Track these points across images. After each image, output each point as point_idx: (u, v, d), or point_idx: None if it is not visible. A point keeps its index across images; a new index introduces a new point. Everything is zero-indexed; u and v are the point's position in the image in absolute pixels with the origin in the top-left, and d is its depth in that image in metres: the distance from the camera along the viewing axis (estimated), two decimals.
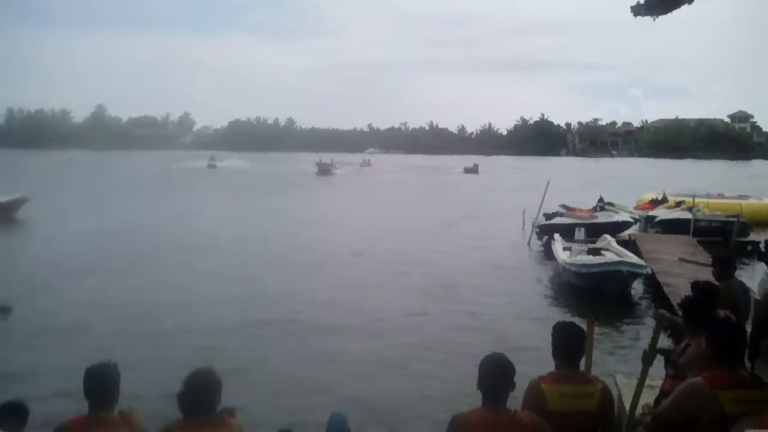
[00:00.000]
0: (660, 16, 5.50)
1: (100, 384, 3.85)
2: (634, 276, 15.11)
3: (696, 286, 5.59)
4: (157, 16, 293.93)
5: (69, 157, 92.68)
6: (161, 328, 12.23)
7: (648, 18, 5.54)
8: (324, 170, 70.32)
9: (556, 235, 19.75)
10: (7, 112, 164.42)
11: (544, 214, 23.71)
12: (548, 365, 4.20)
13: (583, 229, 20.64)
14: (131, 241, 22.57)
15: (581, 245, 18.56)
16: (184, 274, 17.43)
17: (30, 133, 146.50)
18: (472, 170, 77.81)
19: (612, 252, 17.11)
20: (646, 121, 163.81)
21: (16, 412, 4.45)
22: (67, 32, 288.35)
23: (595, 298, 14.31)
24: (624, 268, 14.87)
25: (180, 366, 5.30)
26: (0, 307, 13.09)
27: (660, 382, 5.25)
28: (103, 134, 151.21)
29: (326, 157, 79.59)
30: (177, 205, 33.67)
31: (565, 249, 17.96)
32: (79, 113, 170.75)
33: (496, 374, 3.63)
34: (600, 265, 15.36)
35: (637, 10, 5.48)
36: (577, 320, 5.51)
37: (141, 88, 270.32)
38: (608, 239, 18.55)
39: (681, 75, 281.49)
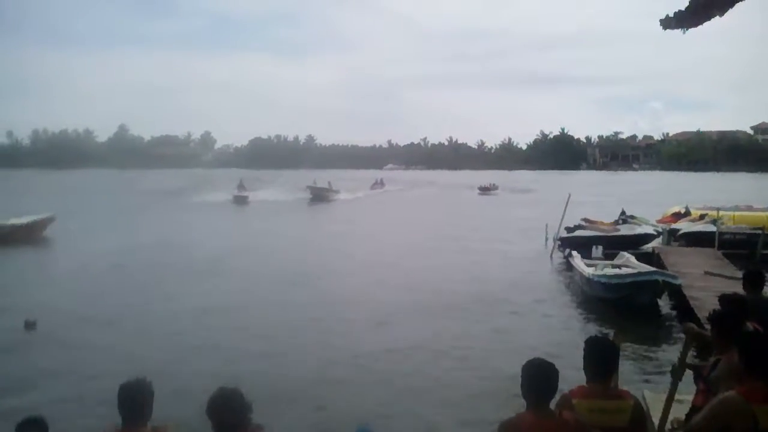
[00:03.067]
0: (689, 29, 5.48)
1: (134, 399, 3.91)
2: (668, 287, 14.98)
3: (725, 299, 5.54)
4: (177, 36, 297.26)
5: (92, 175, 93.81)
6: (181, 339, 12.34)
7: (671, 31, 5.54)
8: (319, 196, 53.55)
9: (574, 252, 19.64)
10: (33, 133, 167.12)
11: (566, 228, 23.58)
12: (576, 379, 4.19)
13: (600, 247, 20.45)
14: (153, 258, 22.81)
15: (605, 261, 18.41)
16: (187, 290, 17.57)
17: (55, 153, 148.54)
18: (489, 189, 68.27)
19: (631, 267, 17.01)
20: (668, 134, 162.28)
21: (36, 427, 4.47)
22: (90, 53, 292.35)
23: (624, 310, 14.28)
24: (659, 278, 14.80)
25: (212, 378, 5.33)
26: (26, 322, 13.32)
27: (688, 397, 5.21)
28: (126, 153, 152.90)
29: (337, 176, 68.90)
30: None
31: (588, 265, 17.83)
32: (103, 133, 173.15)
33: (541, 378, 3.70)
34: (633, 275, 15.27)
35: (666, 23, 5.46)
36: (603, 333, 5.49)
37: (162, 107, 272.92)
38: (626, 256, 18.32)
39: (702, 87, 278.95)
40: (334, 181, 60.25)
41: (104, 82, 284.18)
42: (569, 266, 19.53)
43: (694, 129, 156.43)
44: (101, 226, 32.29)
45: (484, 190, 68.28)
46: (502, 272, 20.27)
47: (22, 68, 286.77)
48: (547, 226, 25.61)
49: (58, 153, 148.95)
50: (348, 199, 56.69)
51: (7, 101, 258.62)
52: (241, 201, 50.25)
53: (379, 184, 74.24)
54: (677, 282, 14.97)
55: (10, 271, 21.01)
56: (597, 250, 20.15)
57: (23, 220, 28.99)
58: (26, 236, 27.68)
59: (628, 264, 17.48)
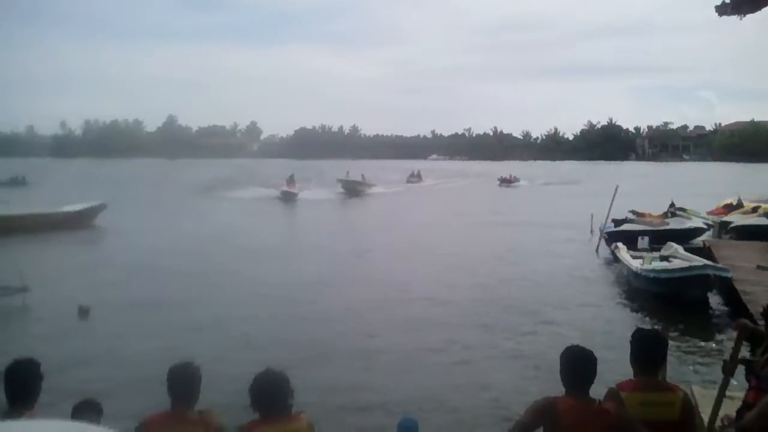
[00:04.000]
0: (746, 15, 5.31)
1: (182, 383, 3.99)
2: (720, 280, 14.62)
3: None
4: (225, 29, 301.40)
5: (142, 165, 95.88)
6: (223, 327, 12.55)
7: (726, 18, 5.37)
8: (351, 190, 50.77)
9: (619, 244, 19.29)
10: (85, 124, 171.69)
11: (613, 220, 23.16)
12: (623, 373, 4.13)
13: (646, 238, 20.00)
14: (201, 247, 23.22)
15: (652, 252, 18.04)
16: (218, 277, 17.81)
17: (106, 143, 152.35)
18: (510, 181, 65.32)
19: (680, 258, 16.66)
20: (720, 124, 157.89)
21: (92, 409, 4.67)
22: (140, 45, 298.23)
23: (673, 304, 14.04)
24: (710, 272, 14.49)
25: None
26: (80, 308, 13.69)
27: (738, 394, 5.08)
28: (174, 143, 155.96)
29: (379, 166, 68.07)
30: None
31: (634, 257, 17.50)
32: (152, 123, 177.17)
33: (580, 364, 3.72)
34: (684, 269, 14.97)
35: (722, 10, 5.30)
36: (652, 327, 5.39)
37: (209, 98, 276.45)
38: (674, 247, 17.90)
39: (757, 76, 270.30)
40: (373, 172, 59.36)
41: (153, 74, 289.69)
42: (615, 258, 19.23)
43: (747, 119, 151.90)
44: (151, 216, 32.95)
45: (505, 181, 65.55)
46: (547, 266, 19.99)
47: (75, 60, 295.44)
48: (592, 217, 25.19)
49: (109, 143, 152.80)
50: (383, 192, 53.53)
51: (61, 93, 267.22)
52: (289, 197, 44.94)
53: (416, 176, 70.78)
54: (729, 276, 14.59)
55: (64, 258, 21.64)
56: (643, 241, 19.73)
57: (75, 207, 29.83)
58: (78, 223, 28.46)
59: (677, 255, 17.11)
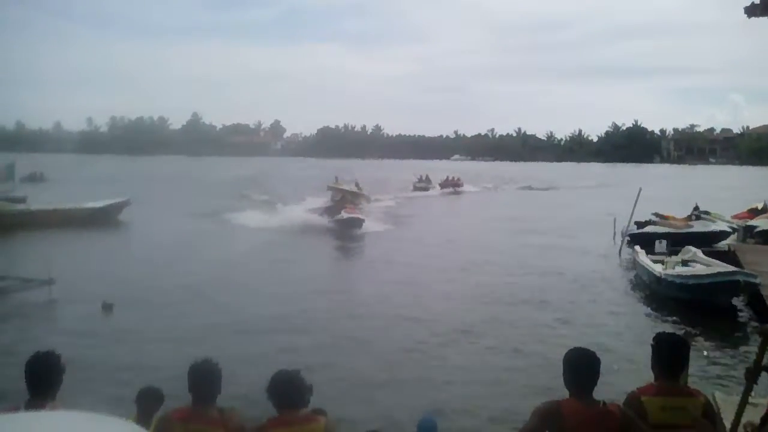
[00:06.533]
0: None
1: (203, 379, 4.03)
2: (749, 287, 14.43)
3: None
4: (248, 28, 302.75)
5: (167, 162, 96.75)
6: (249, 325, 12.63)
7: (756, 19, 5.30)
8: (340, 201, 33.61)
9: (637, 247, 19.10)
10: (111, 120, 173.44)
11: (636, 223, 22.94)
12: (643, 377, 4.11)
13: (664, 242, 19.72)
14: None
15: (673, 256, 17.81)
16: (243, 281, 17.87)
17: (131, 140, 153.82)
18: (455, 185, 55.15)
19: (701, 263, 16.48)
20: (748, 127, 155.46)
21: (154, 396, 4.94)
22: (165, 43, 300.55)
23: (697, 309, 13.90)
24: (740, 278, 14.33)
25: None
26: (104, 304, 13.88)
27: (762, 401, 5.02)
28: (199, 141, 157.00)
29: (398, 166, 58.70)
30: None
31: (655, 262, 17.31)
32: (176, 121, 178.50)
33: (583, 367, 3.73)
34: (713, 275, 14.81)
35: (751, 11, 5.23)
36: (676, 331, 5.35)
37: (234, 97, 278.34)
38: (693, 251, 17.74)
39: None
40: (385, 174, 53.80)
41: (179, 72, 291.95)
42: (634, 262, 19.05)
43: None
44: (174, 211, 33.13)
45: (449, 185, 55.13)
46: (569, 269, 19.82)
47: (100, 58, 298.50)
48: (615, 220, 24.94)
49: (134, 139, 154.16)
50: (383, 206, 40.49)
51: (87, 89, 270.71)
52: (352, 225, 27.79)
53: (425, 181, 56.50)
54: (756, 281, 14.40)
55: (89, 253, 21.92)
56: (661, 245, 19.49)
57: (99, 203, 30.20)
58: (103, 219, 28.84)
59: (696, 259, 16.94)
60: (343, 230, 26.42)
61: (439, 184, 56.27)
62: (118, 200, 31.12)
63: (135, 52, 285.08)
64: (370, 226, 28.39)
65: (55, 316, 13.82)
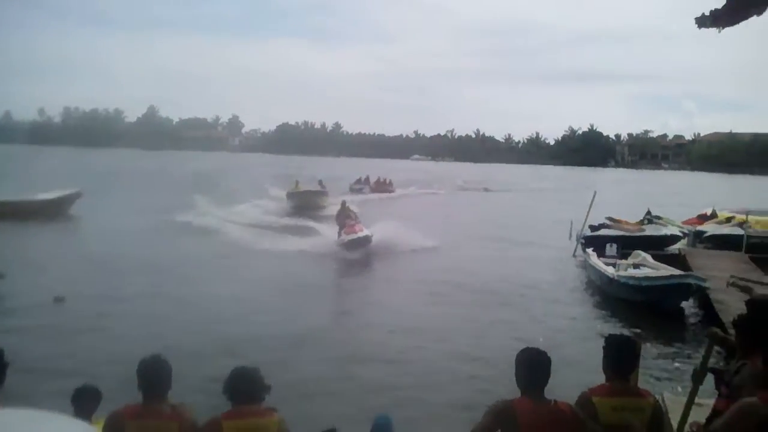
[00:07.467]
0: (724, 28, 5.36)
1: (153, 375, 3.99)
2: (700, 290, 14.79)
3: (752, 303, 5.43)
4: (209, 20, 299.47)
5: (121, 155, 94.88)
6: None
7: (706, 30, 5.41)
8: (304, 204, 35.44)
9: (589, 250, 19.47)
10: (64, 111, 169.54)
11: (590, 226, 23.35)
12: (593, 377, 4.17)
13: (615, 245, 20.09)
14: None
15: (623, 260, 18.16)
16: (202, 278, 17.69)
17: (85, 132, 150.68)
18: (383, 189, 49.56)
19: (649, 266, 16.87)
20: (699, 134, 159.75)
21: (91, 394, 4.79)
22: (122, 34, 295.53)
23: (648, 312, 14.17)
24: (692, 281, 14.68)
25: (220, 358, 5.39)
26: (55, 297, 13.67)
27: (708, 401, 5.14)
28: (155, 134, 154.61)
29: (377, 167, 52.15)
30: None
31: (607, 264, 17.65)
32: (132, 113, 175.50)
33: (535, 366, 3.81)
34: (666, 277, 15.16)
35: (702, 22, 5.34)
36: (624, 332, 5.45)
37: (192, 90, 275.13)
38: (642, 255, 18.16)
39: (736, 88, 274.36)
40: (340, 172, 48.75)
41: (135, 64, 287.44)
42: (584, 264, 19.38)
43: (726, 130, 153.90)
44: (127, 206, 32.36)
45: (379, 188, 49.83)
46: (523, 270, 20.06)
47: (53, 45, 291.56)
48: (572, 223, 25.36)
49: (89, 131, 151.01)
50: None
51: (39, 78, 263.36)
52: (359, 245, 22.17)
53: (363, 183, 50.89)
54: (706, 285, 14.78)
55: (39, 246, 21.37)
56: (611, 248, 19.88)
57: (50, 195, 29.43)
58: (53, 212, 28.09)
59: (645, 263, 17.35)
60: (350, 253, 21.44)
61: (370, 187, 49.91)
62: (68, 192, 30.31)
63: (90, 42, 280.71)
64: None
65: (4, 310, 13.43)
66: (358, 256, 21.07)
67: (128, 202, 32.68)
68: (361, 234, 21.95)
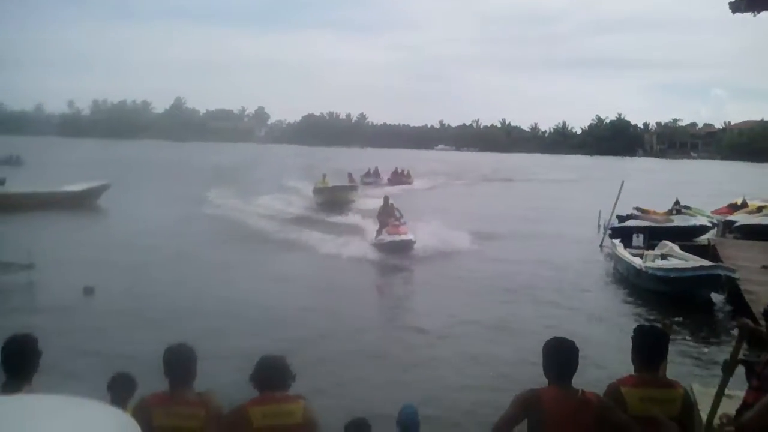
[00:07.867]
0: (760, 13, 5.27)
1: (179, 363, 4.04)
2: (730, 281, 14.56)
3: None
4: (233, 11, 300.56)
5: (149, 146, 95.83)
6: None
7: (740, 15, 5.32)
8: (333, 200, 33.51)
9: (616, 241, 19.26)
10: (93, 103, 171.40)
11: (617, 216, 23.12)
12: (622, 368, 4.13)
13: (642, 236, 19.81)
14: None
15: (651, 251, 17.94)
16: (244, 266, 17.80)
17: (113, 123, 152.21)
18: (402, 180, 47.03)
19: (677, 257, 16.66)
20: (729, 122, 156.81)
21: (126, 382, 4.81)
22: (149, 26, 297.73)
23: (676, 302, 14.00)
24: (721, 273, 14.48)
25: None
26: (85, 288, 13.82)
27: (738, 393, 5.08)
28: (182, 125, 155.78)
29: (402, 157, 51.11)
30: None
31: (634, 255, 17.45)
32: (159, 105, 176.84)
33: (563, 356, 3.77)
34: (695, 269, 15.00)
35: (736, 6, 5.26)
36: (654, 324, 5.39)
37: (218, 82, 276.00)
38: (669, 245, 17.93)
39: None
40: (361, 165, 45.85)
41: (162, 56, 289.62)
42: (611, 255, 19.17)
43: (758, 118, 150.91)
44: (155, 197, 32.62)
45: (395, 179, 47.10)
46: (550, 264, 19.81)
47: (83, 39, 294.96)
48: (600, 213, 25.14)
49: (117, 123, 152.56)
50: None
51: (70, 71, 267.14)
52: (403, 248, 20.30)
53: (373, 175, 47.79)
54: (736, 276, 14.55)
55: (68, 237, 21.66)
56: (638, 239, 19.65)
57: (77, 186, 29.69)
58: (80, 203, 28.40)
59: (673, 254, 17.13)
60: (389, 257, 19.43)
61: (387, 179, 47.25)
62: (97, 184, 30.62)
63: (119, 34, 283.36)
64: None
65: (35, 300, 13.69)
66: (397, 261, 19.05)
67: (156, 194, 32.94)
68: (405, 237, 19.98)
